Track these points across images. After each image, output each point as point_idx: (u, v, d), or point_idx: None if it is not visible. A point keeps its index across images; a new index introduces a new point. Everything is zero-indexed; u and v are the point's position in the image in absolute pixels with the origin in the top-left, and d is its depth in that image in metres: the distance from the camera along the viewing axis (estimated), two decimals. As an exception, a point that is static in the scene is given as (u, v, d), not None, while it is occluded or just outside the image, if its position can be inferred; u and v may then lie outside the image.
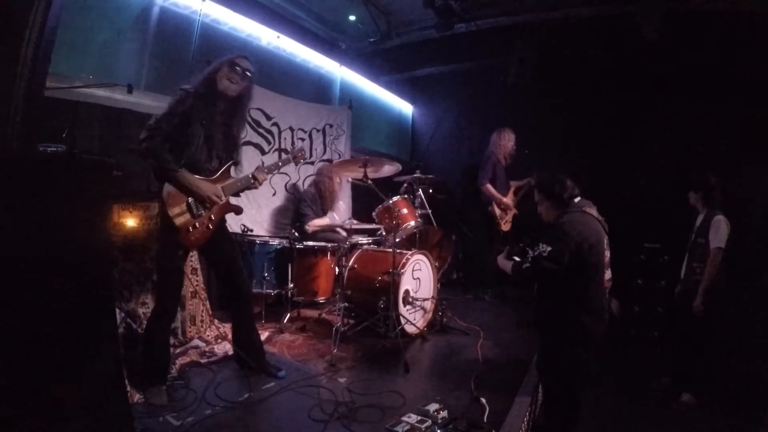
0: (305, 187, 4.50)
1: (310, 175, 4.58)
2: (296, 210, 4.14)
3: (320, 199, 4.10)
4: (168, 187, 2.20)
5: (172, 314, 2.43)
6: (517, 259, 2.35)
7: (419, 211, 3.60)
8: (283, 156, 2.58)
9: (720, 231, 2.90)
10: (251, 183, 2.46)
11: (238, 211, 2.51)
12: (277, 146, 4.40)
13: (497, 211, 4.59)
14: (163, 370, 2.30)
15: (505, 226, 4.65)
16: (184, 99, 2.21)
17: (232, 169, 2.47)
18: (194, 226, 2.26)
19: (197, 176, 2.26)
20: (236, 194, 2.51)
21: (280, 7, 4.68)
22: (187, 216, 2.24)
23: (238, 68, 2.32)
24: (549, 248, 2.11)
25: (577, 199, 2.31)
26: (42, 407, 1.38)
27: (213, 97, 2.29)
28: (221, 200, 2.34)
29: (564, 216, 2.24)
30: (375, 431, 2.06)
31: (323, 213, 4.12)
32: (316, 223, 3.95)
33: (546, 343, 2.34)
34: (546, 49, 5.06)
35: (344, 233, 3.87)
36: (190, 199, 2.25)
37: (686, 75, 4.40)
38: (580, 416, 2.31)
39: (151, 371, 2.25)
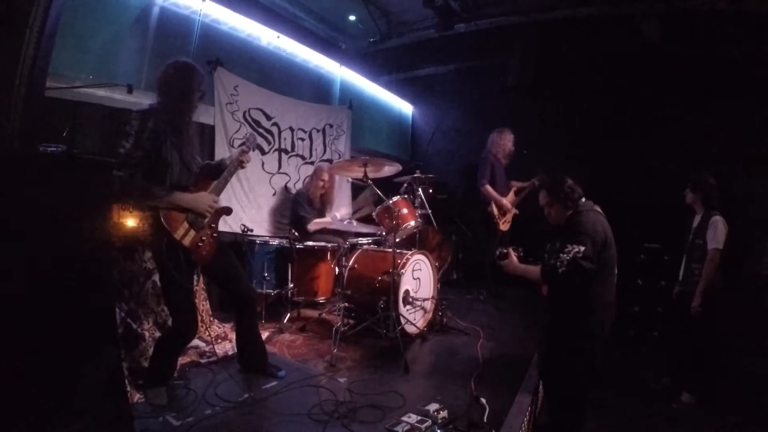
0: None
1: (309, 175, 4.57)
2: (293, 211, 4.12)
3: (308, 203, 4.08)
4: (164, 211, 2.11)
5: (193, 334, 2.38)
6: (534, 263, 2.36)
7: (419, 211, 3.59)
8: (228, 164, 2.49)
9: (717, 232, 2.90)
10: (237, 167, 2.36)
11: (228, 212, 2.46)
12: (277, 146, 4.40)
13: (495, 211, 4.57)
14: (166, 374, 2.29)
15: (504, 226, 4.62)
16: (146, 117, 2.09)
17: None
18: (201, 240, 2.22)
19: (186, 193, 2.19)
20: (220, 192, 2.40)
21: (280, 7, 4.69)
22: (192, 232, 2.19)
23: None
24: (583, 248, 2.11)
25: (582, 200, 2.33)
26: (42, 407, 1.38)
27: (181, 119, 2.24)
28: (218, 205, 2.30)
29: (578, 215, 2.26)
30: (375, 431, 2.06)
31: (317, 214, 4.10)
32: (318, 221, 3.94)
33: (558, 343, 2.34)
34: (546, 49, 5.06)
35: (348, 226, 3.80)
36: (189, 215, 2.19)
37: (686, 75, 4.40)
38: (587, 416, 2.32)
39: (155, 375, 2.24)
